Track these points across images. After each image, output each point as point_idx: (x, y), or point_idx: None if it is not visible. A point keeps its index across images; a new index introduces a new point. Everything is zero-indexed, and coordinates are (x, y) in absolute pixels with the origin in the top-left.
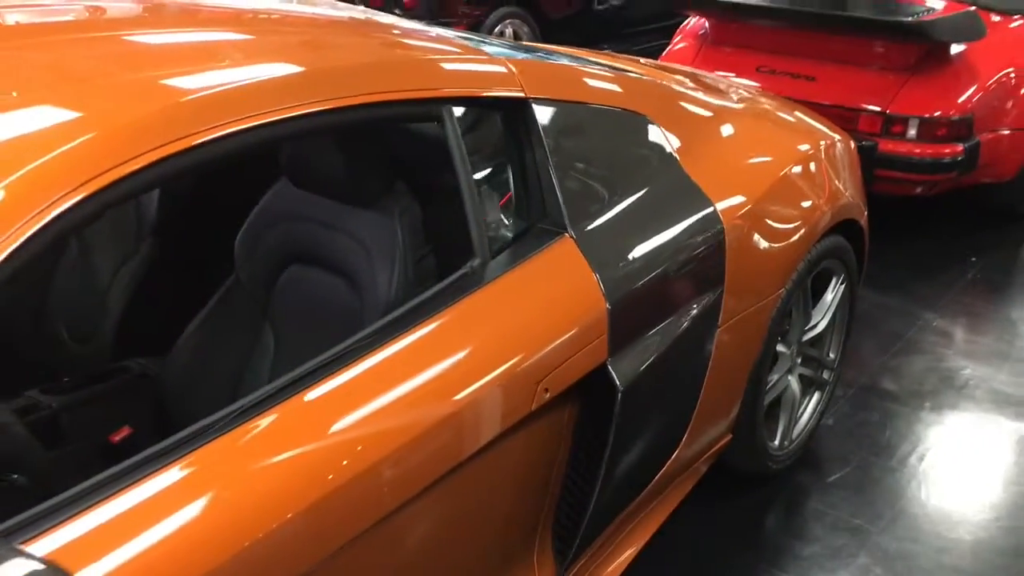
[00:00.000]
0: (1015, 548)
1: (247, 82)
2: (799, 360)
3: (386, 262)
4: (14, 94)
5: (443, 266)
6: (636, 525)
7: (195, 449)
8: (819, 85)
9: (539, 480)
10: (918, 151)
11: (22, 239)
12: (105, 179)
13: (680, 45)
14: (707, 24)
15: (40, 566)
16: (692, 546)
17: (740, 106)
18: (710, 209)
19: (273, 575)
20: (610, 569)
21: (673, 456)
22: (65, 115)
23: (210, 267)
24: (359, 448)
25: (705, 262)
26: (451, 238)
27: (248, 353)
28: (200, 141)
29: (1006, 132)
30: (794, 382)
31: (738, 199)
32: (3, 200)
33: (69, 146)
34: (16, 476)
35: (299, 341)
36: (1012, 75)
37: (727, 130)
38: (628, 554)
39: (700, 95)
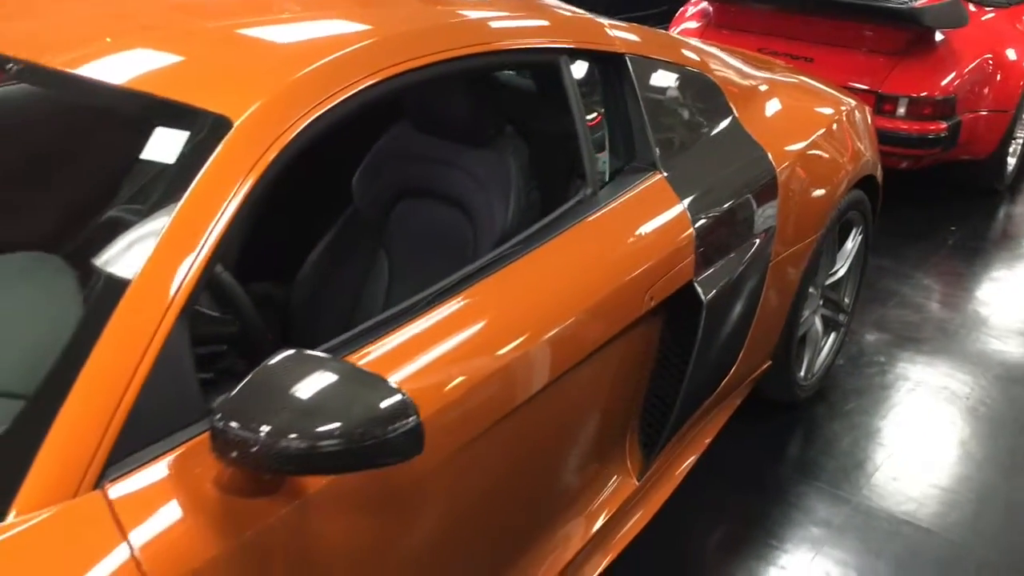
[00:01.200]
0: (993, 455)
1: (425, 26)
2: (821, 302)
3: (501, 194)
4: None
5: (549, 199)
6: (695, 437)
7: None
8: (816, 66)
9: (633, 381)
10: (906, 128)
11: (330, 105)
12: (384, 74)
13: (684, 26)
14: (710, 8)
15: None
16: (735, 462)
17: (778, 76)
18: (765, 158)
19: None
20: (677, 472)
21: (732, 370)
22: (356, 26)
23: (330, 201)
24: (503, 340)
25: (762, 202)
26: (556, 174)
27: (364, 277)
28: (412, 67)
29: (984, 113)
30: (817, 321)
31: (785, 152)
32: (319, 71)
33: (361, 44)
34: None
35: (411, 266)
36: (990, 61)
37: (771, 95)
38: (690, 461)
39: (747, 66)
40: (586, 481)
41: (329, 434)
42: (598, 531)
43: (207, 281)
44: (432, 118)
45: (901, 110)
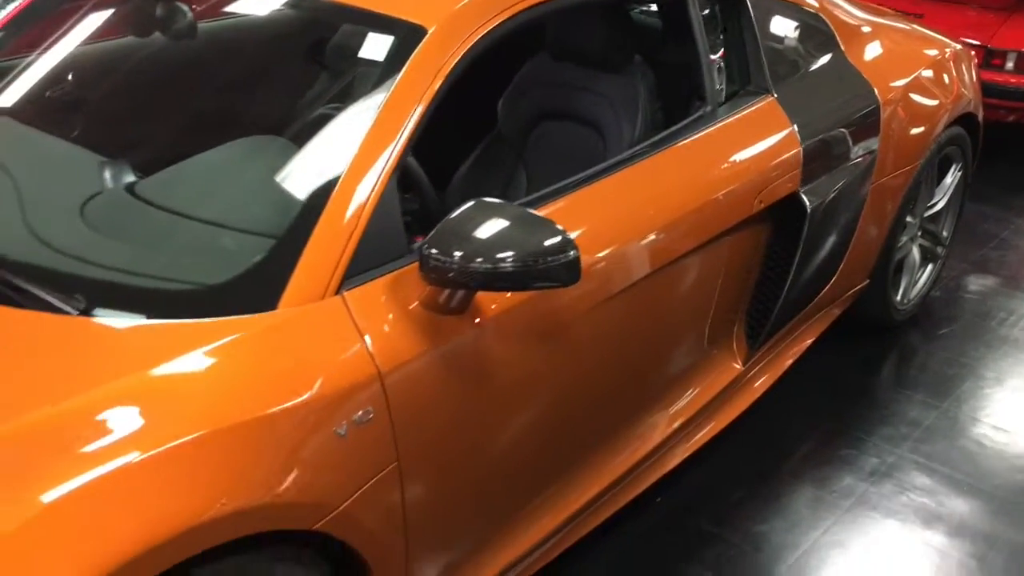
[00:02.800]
0: None
1: None
2: (919, 232)
3: (629, 113)
4: None
5: (671, 120)
6: (795, 339)
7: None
8: (926, 22)
9: (743, 275)
10: (1015, 81)
11: (499, 22)
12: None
13: None
14: None
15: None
16: (831, 372)
17: (883, 20)
18: (869, 89)
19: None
20: (777, 368)
21: (833, 280)
22: None
23: (477, 124)
24: (634, 220)
25: (865, 127)
26: (678, 97)
27: (505, 189)
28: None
29: None
30: (915, 250)
31: (889, 86)
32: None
33: None
34: None
35: (547, 179)
36: None
37: (878, 35)
38: (789, 361)
39: (857, 9)
40: (696, 359)
41: (506, 259)
42: (701, 409)
43: (405, 158)
44: (571, 46)
45: (1010, 64)
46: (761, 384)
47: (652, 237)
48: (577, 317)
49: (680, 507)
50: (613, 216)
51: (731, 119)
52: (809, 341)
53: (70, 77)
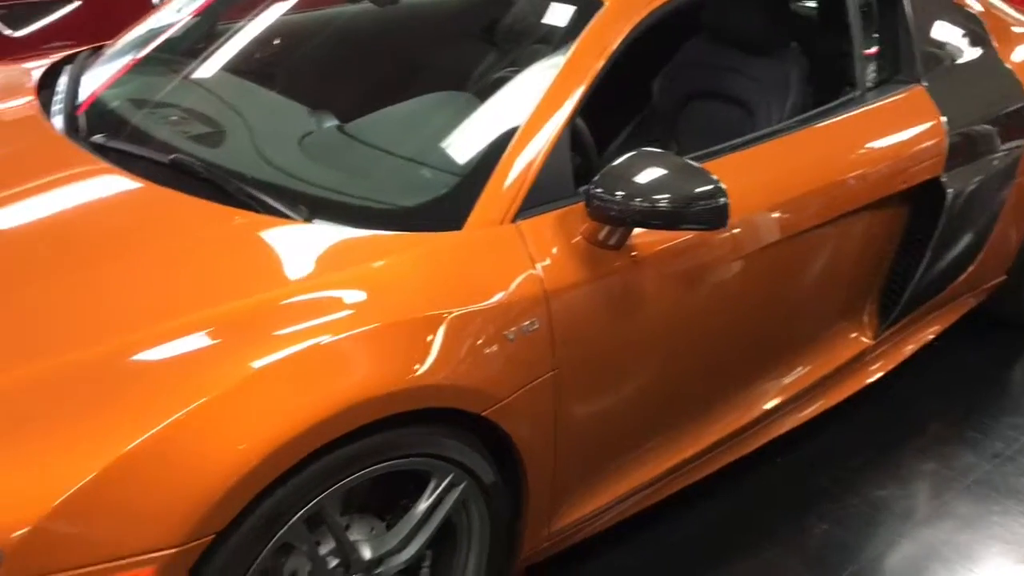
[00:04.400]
0: None
1: None
2: None
3: (779, 97)
4: None
5: (820, 103)
6: (928, 321)
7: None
8: None
9: (880, 252)
10: None
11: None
12: None
13: None
14: None
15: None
16: (963, 360)
17: None
18: (1019, 88)
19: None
20: (906, 348)
21: (968, 271)
22: None
23: (632, 100)
24: (779, 185)
25: (1013, 125)
26: (829, 83)
27: None
28: None
29: None
30: None
31: None
32: None
33: None
34: None
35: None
36: None
37: None
38: (909, 349)
39: (1011, 10)
40: (825, 329)
41: (662, 200)
42: (820, 380)
43: (577, 116)
44: (728, 29)
45: None
46: (882, 366)
47: (790, 204)
48: (717, 270)
49: (800, 466)
50: (756, 181)
51: (879, 104)
52: (938, 328)
53: (279, 41)
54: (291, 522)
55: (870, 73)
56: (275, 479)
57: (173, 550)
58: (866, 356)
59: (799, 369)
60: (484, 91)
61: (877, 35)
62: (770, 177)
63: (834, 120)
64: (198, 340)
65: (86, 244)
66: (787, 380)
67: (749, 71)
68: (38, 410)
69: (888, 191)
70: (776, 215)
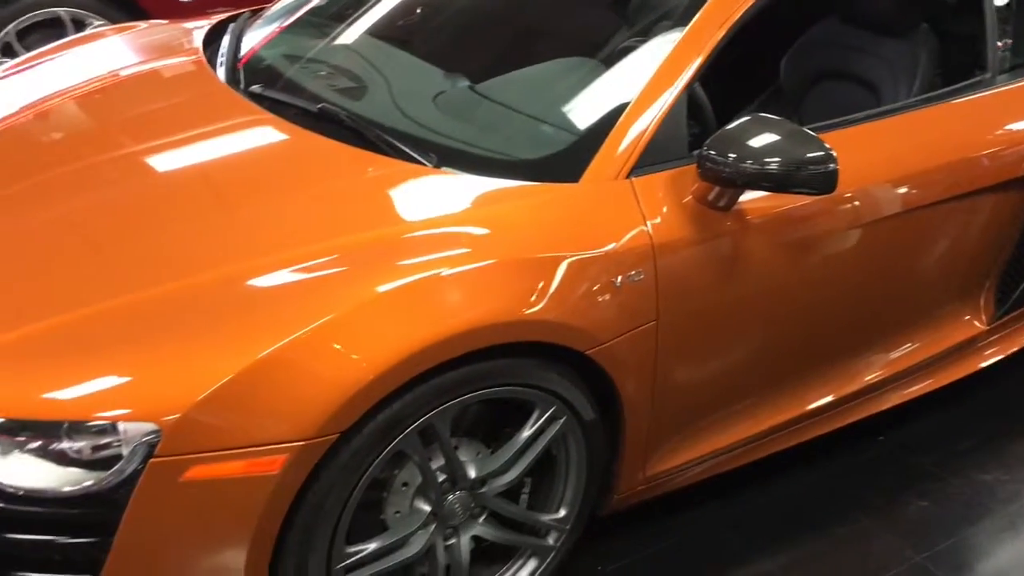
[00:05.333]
0: None
1: None
2: None
3: (907, 78)
4: None
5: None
6: None
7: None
8: None
9: (997, 240)
10: None
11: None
12: None
13: None
14: None
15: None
16: None
17: None
18: None
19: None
20: (1020, 339)
21: None
22: None
23: (758, 78)
24: (900, 159)
25: None
26: (959, 65)
27: None
28: None
29: None
30: None
31: None
32: None
33: None
34: None
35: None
36: None
37: None
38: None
39: None
40: (936, 309)
41: (772, 162)
42: (933, 356)
43: (695, 83)
44: (860, 9)
45: None
46: (996, 352)
47: (911, 179)
48: (826, 238)
49: (904, 445)
50: (877, 153)
51: (1010, 87)
52: None
53: (419, 9)
54: (406, 432)
55: (1002, 58)
56: (393, 391)
57: (303, 443)
58: (979, 341)
59: (907, 346)
60: (609, 58)
61: (1013, 19)
62: (892, 151)
63: (962, 100)
64: (332, 264)
65: (241, 179)
66: (893, 356)
67: (879, 51)
68: (193, 317)
69: (1014, 175)
70: (896, 189)
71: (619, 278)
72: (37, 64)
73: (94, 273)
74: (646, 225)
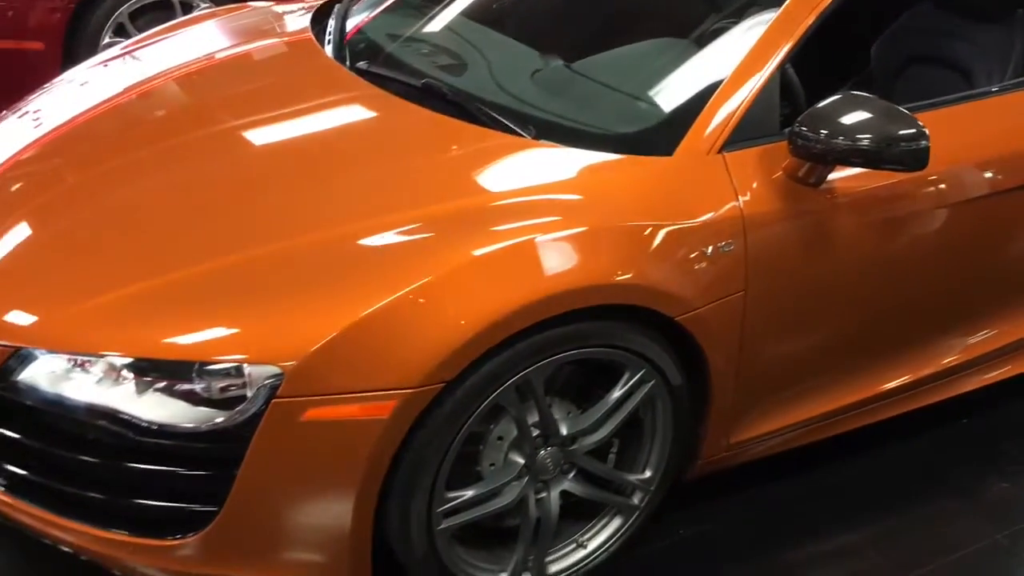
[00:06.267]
0: None
1: None
2: None
3: (1000, 64)
4: None
5: None
6: None
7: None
8: None
9: None
10: None
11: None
12: None
13: None
14: None
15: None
16: None
17: None
18: None
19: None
20: None
21: None
22: None
23: (847, 64)
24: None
25: None
26: None
27: None
28: None
29: None
30: None
31: None
32: None
33: None
34: None
35: None
36: None
37: None
38: None
39: None
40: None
41: (864, 139)
42: (1016, 342)
43: (787, 65)
44: None
45: None
46: None
47: (1002, 162)
48: (912, 218)
49: (986, 429)
50: (968, 135)
51: None
52: None
53: None
54: (504, 386)
55: None
56: (494, 347)
57: (412, 390)
58: None
59: (988, 331)
60: (700, 39)
61: None
62: (982, 133)
63: None
64: (439, 226)
65: (356, 146)
66: (974, 340)
67: (972, 37)
68: (311, 272)
69: None
70: (983, 171)
71: (710, 248)
72: (149, 44)
73: (213, 232)
74: (737, 199)
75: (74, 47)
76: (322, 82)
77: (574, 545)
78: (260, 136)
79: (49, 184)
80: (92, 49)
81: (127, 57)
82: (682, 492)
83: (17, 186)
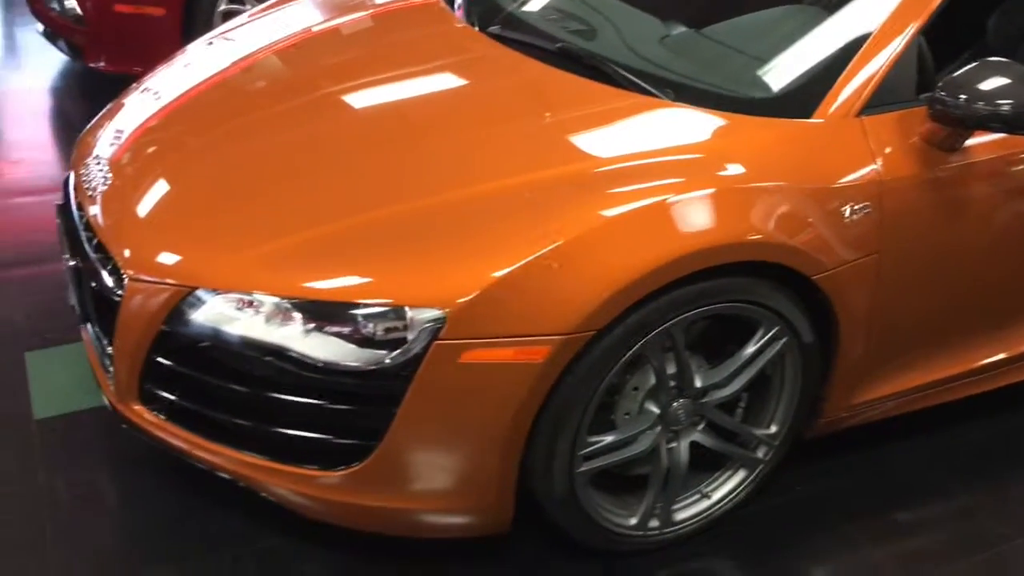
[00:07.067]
0: None
1: None
2: None
3: None
4: None
5: None
6: None
7: None
8: None
9: None
10: None
11: None
12: None
13: None
14: None
15: None
16: None
17: None
18: None
19: None
20: None
21: None
22: None
23: (963, 36)
24: None
25: None
26: None
27: None
28: None
29: None
30: None
31: None
32: None
33: None
34: None
35: None
36: None
37: None
38: None
39: None
40: None
41: (1005, 104)
42: None
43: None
44: None
45: None
46: None
47: None
48: None
49: None
50: None
51: None
52: None
53: None
54: (648, 336)
55: None
56: (639, 299)
57: (564, 337)
58: None
59: None
60: (830, 6)
61: None
62: None
63: None
64: (595, 179)
65: (491, 105)
66: None
67: None
68: (468, 224)
69: None
70: None
71: (847, 210)
72: (280, 8)
73: (360, 187)
74: (875, 162)
75: (193, 13)
76: (457, 43)
77: (698, 495)
78: (402, 93)
79: (177, 147)
80: (209, 16)
81: (260, 19)
82: (799, 450)
83: (151, 149)
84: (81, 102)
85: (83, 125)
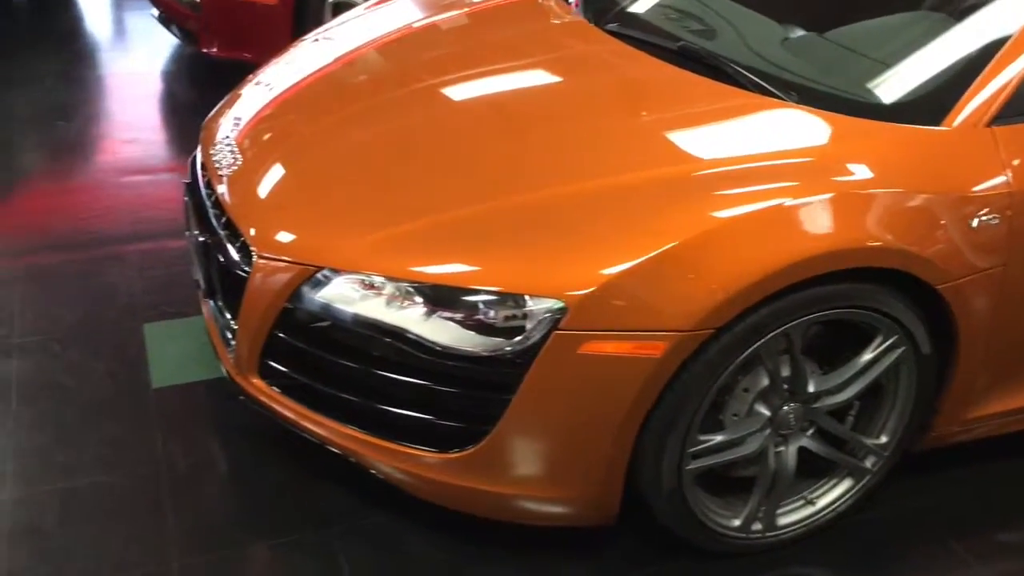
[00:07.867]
0: None
1: None
2: None
3: None
4: None
5: None
6: None
7: None
8: None
9: None
10: None
11: None
12: None
13: None
14: None
15: None
16: None
17: None
18: None
19: None
20: None
21: None
22: None
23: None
24: None
25: None
26: None
27: None
28: None
29: None
30: None
31: None
32: None
33: None
34: None
35: None
36: None
37: None
38: None
39: None
40: None
41: None
42: None
43: None
44: None
45: None
46: None
47: None
48: None
49: None
50: None
51: None
52: None
53: None
54: (765, 338)
55: None
56: (759, 300)
57: (684, 333)
58: None
59: None
60: (960, 13)
61: None
62: None
63: None
64: (712, 180)
65: (611, 99)
66: None
67: None
68: (592, 218)
69: None
70: None
71: (975, 220)
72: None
73: (479, 176)
74: (1006, 173)
75: (305, 3)
76: (574, 38)
77: (803, 501)
78: (522, 84)
79: (292, 134)
80: (320, 6)
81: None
82: (906, 463)
83: (268, 135)
84: (189, 86)
85: (191, 107)
